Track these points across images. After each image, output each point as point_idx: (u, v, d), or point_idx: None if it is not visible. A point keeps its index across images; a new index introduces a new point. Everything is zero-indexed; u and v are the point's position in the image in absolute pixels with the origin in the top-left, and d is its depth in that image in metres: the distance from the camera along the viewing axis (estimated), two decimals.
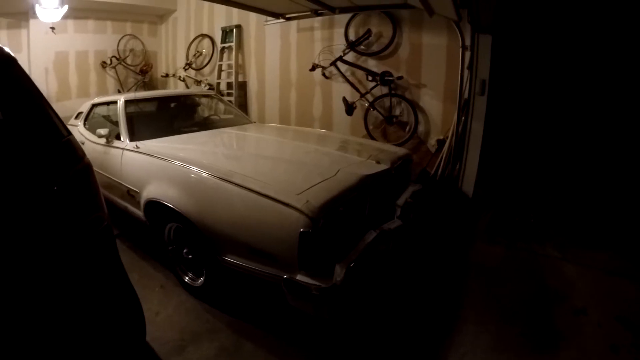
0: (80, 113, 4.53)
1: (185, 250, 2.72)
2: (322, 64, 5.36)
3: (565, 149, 4.29)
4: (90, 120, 4.29)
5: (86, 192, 1.63)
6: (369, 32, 4.99)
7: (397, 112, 4.97)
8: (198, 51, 7.33)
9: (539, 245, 3.41)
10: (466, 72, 4.27)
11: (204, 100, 4.83)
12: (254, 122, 4.56)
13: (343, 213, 2.26)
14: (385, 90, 4.94)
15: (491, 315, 2.50)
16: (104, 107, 4.17)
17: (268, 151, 3.37)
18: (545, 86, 4.27)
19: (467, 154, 4.31)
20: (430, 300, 2.72)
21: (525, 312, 2.53)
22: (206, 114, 4.70)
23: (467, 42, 4.25)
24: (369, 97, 5.07)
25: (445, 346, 2.22)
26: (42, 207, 1.41)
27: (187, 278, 2.77)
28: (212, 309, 2.57)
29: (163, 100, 4.53)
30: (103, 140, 3.44)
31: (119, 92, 7.69)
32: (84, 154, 1.70)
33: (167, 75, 8.05)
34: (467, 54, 4.25)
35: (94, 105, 4.34)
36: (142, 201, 2.88)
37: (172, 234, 2.82)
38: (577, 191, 4.13)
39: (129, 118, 3.59)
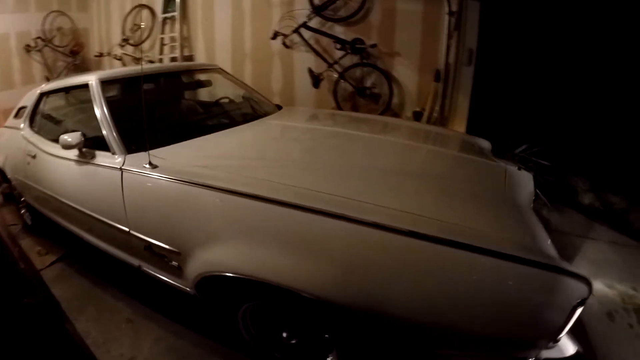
0: (22, 109, 3.17)
1: (285, 335, 1.77)
2: (283, 31, 4.72)
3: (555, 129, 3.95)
4: (40, 119, 2.96)
5: None
6: None
7: (369, 83, 4.43)
8: (136, 24, 6.40)
9: None
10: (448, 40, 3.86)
11: (208, 77, 3.41)
12: (282, 107, 3.28)
13: None
14: (355, 59, 4.39)
15: None
16: (60, 97, 2.97)
17: (391, 162, 2.14)
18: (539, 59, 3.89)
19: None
20: None
21: None
22: (218, 97, 3.25)
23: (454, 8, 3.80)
24: (338, 68, 4.49)
25: None
26: None
27: None
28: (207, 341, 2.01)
29: (157, 81, 3.05)
30: (72, 153, 2.21)
31: (47, 79, 6.64)
32: None
33: (101, 55, 7.02)
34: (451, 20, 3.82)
35: (43, 95, 2.99)
36: (198, 272, 1.70)
37: (250, 315, 1.80)
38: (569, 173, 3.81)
39: (116, 112, 2.23)
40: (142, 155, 1.95)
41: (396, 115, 4.36)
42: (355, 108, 4.53)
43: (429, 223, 1.40)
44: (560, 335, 1.34)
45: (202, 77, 3.37)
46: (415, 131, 2.85)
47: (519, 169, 2.13)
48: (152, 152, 1.92)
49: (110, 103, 2.27)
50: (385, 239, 1.36)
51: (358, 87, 4.41)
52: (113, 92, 2.53)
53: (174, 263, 1.80)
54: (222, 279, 1.61)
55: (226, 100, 3.16)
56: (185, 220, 1.72)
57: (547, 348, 1.38)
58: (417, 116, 4.12)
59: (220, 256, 1.60)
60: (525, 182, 2.01)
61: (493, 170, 2.08)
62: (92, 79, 2.39)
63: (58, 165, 2.40)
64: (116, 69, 2.86)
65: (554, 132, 3.82)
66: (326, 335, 1.61)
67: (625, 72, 3.42)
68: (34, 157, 2.68)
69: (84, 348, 1.13)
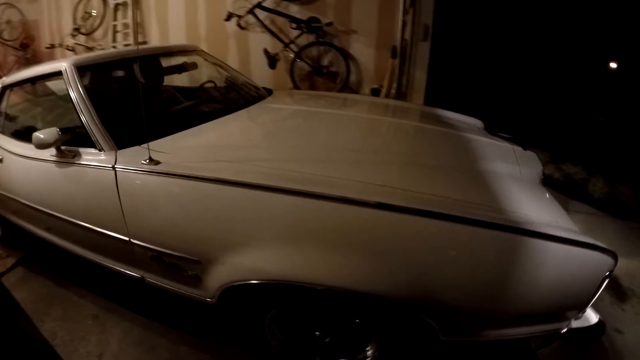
0: None
1: (318, 334, 1.63)
2: (237, 12, 4.57)
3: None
4: (5, 116, 2.56)
5: None
6: None
7: (326, 61, 4.33)
8: (87, 12, 6.12)
9: None
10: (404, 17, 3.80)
11: (190, 59, 2.98)
12: (272, 90, 2.93)
13: None
14: (311, 38, 4.28)
15: None
16: (28, 90, 2.63)
17: (423, 146, 2.08)
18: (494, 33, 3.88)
19: None
20: None
21: None
22: (204, 81, 2.85)
23: None
24: (294, 47, 4.39)
25: None
26: None
27: None
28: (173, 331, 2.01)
29: (135, 65, 2.52)
30: (49, 153, 1.88)
31: None
32: None
33: (52, 46, 6.70)
34: None
35: (6, 89, 2.56)
36: (225, 281, 1.49)
37: (276, 320, 1.65)
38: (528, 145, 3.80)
39: (98, 101, 1.93)
40: (136, 150, 1.68)
41: (354, 92, 4.28)
42: (313, 87, 4.43)
43: (478, 209, 1.36)
44: (588, 306, 1.43)
45: (183, 59, 2.97)
46: (446, 118, 2.67)
47: (525, 149, 2.10)
48: (144, 147, 1.64)
49: (89, 91, 1.97)
50: (428, 225, 1.29)
51: (315, 66, 4.31)
52: (89, 79, 2.20)
53: (191, 273, 1.57)
54: (251, 285, 1.43)
55: (212, 85, 2.80)
56: (206, 223, 1.49)
57: (576, 319, 1.47)
58: (375, 93, 4.06)
59: (253, 261, 1.40)
60: (533, 161, 2.03)
61: (503, 150, 2.05)
62: (64, 65, 2.06)
63: (32, 168, 2.06)
64: (91, 53, 2.62)
65: (511, 105, 3.83)
66: (357, 320, 1.50)
67: (579, 45, 3.44)
68: (0, 160, 2.34)
69: (47, 347, 1.08)
